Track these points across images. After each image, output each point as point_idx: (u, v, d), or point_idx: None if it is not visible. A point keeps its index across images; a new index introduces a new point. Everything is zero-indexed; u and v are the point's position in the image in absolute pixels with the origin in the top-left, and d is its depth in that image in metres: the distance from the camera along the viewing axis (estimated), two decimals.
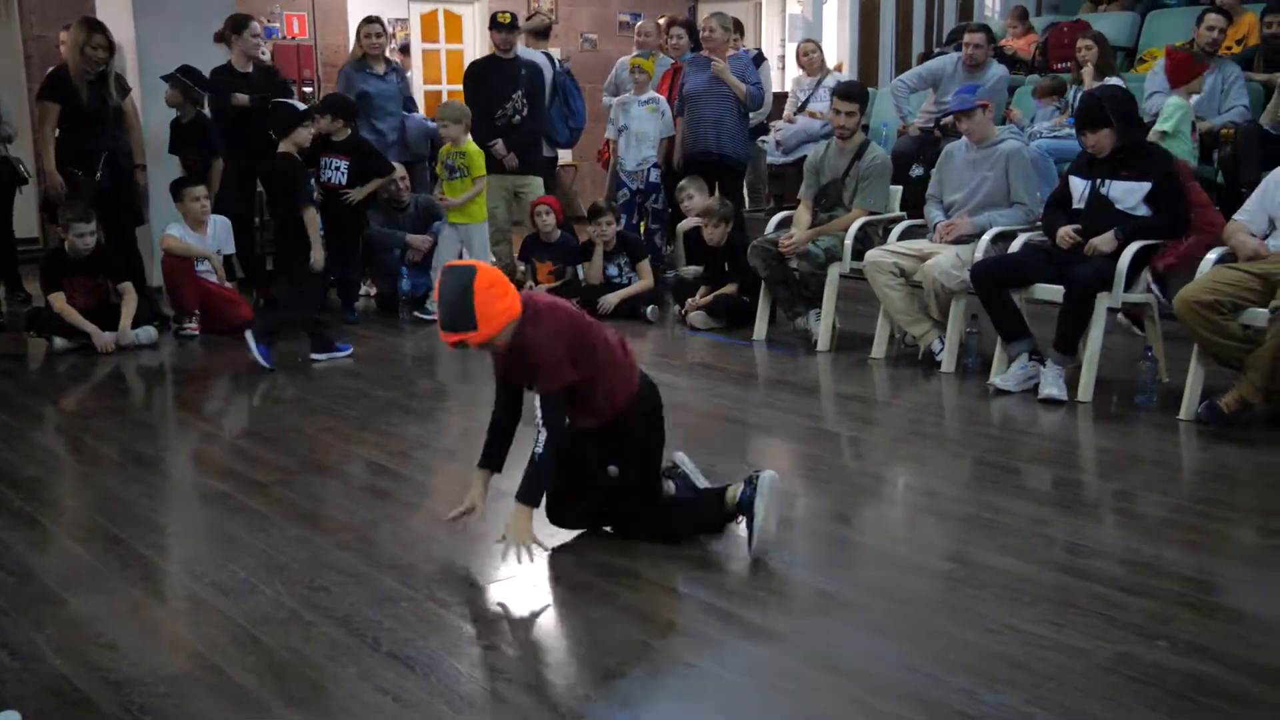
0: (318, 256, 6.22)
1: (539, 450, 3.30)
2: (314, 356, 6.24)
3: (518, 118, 7.85)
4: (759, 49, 9.84)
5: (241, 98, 7.41)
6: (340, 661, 2.86)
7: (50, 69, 6.92)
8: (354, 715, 2.61)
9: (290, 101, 6.81)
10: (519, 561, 3.31)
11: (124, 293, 6.60)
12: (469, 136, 7.30)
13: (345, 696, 2.69)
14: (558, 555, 3.48)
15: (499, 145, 7.78)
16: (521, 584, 3.33)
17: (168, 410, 5.61)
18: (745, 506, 3.45)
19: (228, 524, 3.94)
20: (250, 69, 7.59)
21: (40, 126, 6.85)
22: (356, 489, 4.25)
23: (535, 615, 3.17)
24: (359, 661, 2.85)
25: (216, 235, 7.19)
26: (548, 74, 8.37)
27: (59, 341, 6.50)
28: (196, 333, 6.87)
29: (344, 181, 7.10)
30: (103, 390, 5.91)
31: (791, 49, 12.55)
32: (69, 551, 3.68)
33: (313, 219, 6.27)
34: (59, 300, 6.47)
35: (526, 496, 3.35)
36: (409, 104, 8.37)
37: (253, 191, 7.76)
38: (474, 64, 8.54)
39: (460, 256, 7.13)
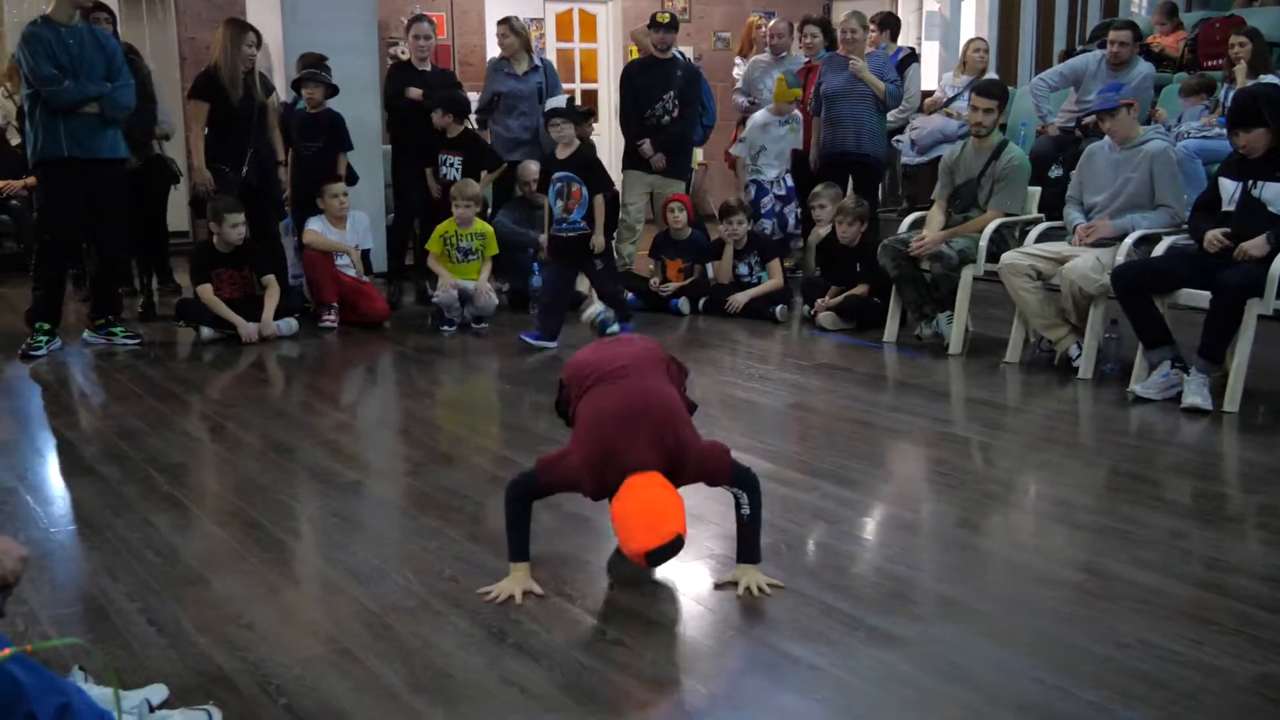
0: (597, 241, 6.47)
1: (747, 511, 3.27)
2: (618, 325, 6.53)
3: (667, 118, 7.88)
4: (911, 48, 9.69)
5: (415, 92, 7.57)
6: (468, 651, 2.92)
7: (203, 69, 7.17)
8: (479, 704, 2.66)
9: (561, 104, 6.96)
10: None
11: (267, 285, 6.84)
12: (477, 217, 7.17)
13: (472, 685, 2.74)
14: (682, 554, 3.49)
15: (646, 145, 7.83)
16: (647, 581, 3.35)
17: (306, 400, 5.78)
18: None
19: (361, 512, 4.05)
20: (428, 68, 7.76)
21: (191, 125, 7.10)
22: (485, 481, 4.31)
23: (660, 612, 3.18)
24: (486, 652, 2.91)
25: (356, 230, 7.39)
26: None
27: (206, 331, 6.76)
28: (335, 325, 7.07)
29: (457, 178, 7.25)
30: (245, 379, 6.12)
31: (929, 47, 12.36)
32: (211, 534, 3.82)
33: (600, 205, 6.46)
34: (206, 292, 6.73)
35: (754, 556, 3.31)
36: None
37: (423, 187, 7.72)
38: (631, 64, 8.60)
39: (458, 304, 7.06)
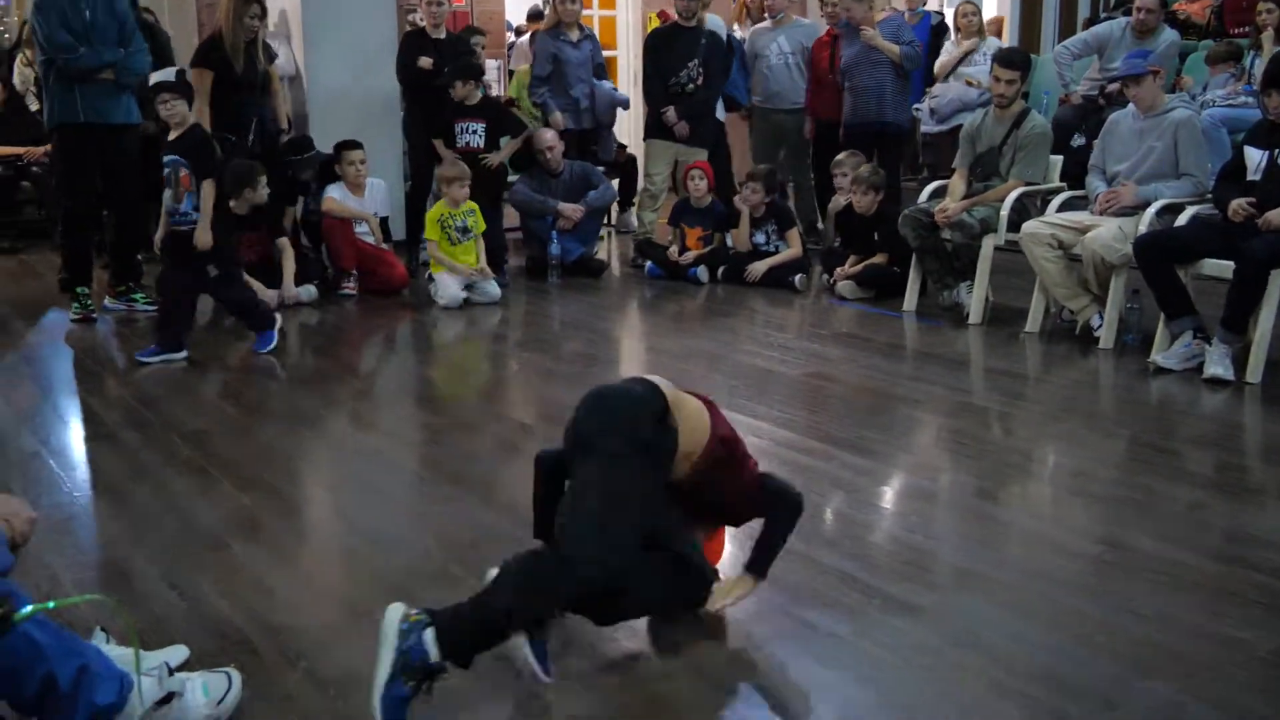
0: (200, 237, 5.65)
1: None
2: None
3: (691, 86, 7.83)
4: (941, 16, 9.54)
5: (425, 61, 7.52)
6: None
7: (206, 35, 7.11)
8: (497, 669, 2.67)
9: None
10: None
11: (283, 249, 6.82)
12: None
13: (489, 651, 2.75)
14: None
15: (670, 113, 7.80)
16: None
17: (326, 367, 5.79)
18: None
19: (380, 479, 4.06)
20: (442, 35, 7.69)
21: (196, 93, 7.06)
22: (504, 449, 4.33)
23: None
24: None
25: (374, 197, 7.38)
26: (722, 35, 8.25)
27: None
28: (354, 292, 7.06)
29: (482, 144, 7.22)
30: None
31: (951, 13, 12.24)
32: (232, 500, 3.84)
33: (208, 192, 5.68)
34: None
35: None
36: (599, 71, 8.27)
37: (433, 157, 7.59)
38: (656, 31, 8.57)
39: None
